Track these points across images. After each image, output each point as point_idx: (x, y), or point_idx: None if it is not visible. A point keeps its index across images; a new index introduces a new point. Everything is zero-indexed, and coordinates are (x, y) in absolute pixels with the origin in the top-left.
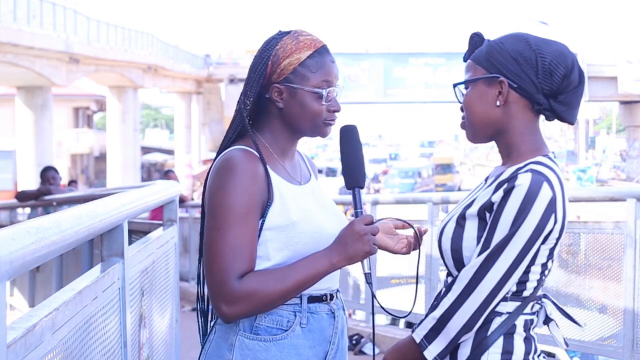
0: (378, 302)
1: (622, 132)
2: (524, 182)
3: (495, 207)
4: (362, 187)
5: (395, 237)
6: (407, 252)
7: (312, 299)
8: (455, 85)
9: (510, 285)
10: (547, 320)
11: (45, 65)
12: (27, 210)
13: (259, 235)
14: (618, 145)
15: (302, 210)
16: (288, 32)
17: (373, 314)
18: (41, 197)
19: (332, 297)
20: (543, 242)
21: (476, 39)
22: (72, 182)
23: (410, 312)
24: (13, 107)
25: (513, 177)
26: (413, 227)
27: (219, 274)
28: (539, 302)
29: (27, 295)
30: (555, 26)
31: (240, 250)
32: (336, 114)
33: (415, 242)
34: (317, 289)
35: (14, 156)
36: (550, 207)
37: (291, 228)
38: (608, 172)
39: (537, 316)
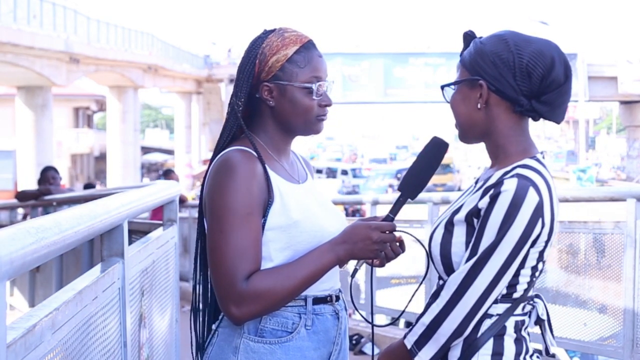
0: (353, 304)
1: (622, 132)
2: (509, 187)
3: (482, 213)
4: (411, 199)
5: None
6: (381, 265)
7: (317, 301)
8: (443, 87)
9: (500, 290)
10: (539, 321)
11: (45, 65)
12: (28, 210)
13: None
14: (618, 145)
15: (303, 209)
16: (273, 30)
17: (372, 312)
18: (41, 197)
19: (337, 298)
20: (532, 246)
21: (469, 38)
22: (89, 186)
23: (393, 322)
24: (13, 107)
25: (499, 183)
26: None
27: (226, 276)
28: (531, 302)
29: (27, 295)
30: (555, 26)
31: (245, 251)
32: (327, 108)
33: (390, 255)
34: (321, 289)
35: (14, 156)
36: (537, 212)
37: (293, 228)
38: (608, 172)
39: (529, 317)
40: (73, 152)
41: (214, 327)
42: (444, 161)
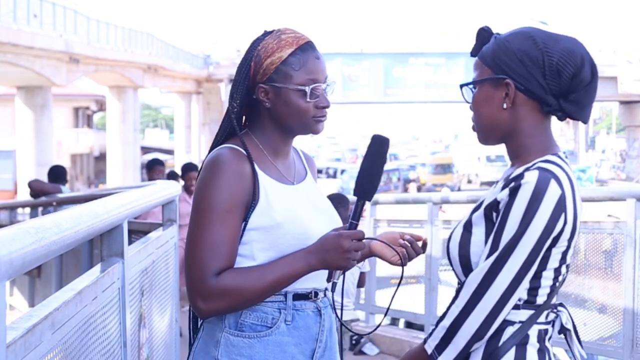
0: (339, 318)
1: (622, 132)
2: (530, 179)
3: (501, 206)
4: (368, 201)
5: (395, 249)
6: (403, 264)
7: (298, 297)
8: (462, 86)
9: (522, 290)
10: (563, 330)
11: (45, 65)
12: (27, 210)
13: (243, 235)
14: (618, 145)
15: (288, 211)
16: (272, 32)
17: (341, 325)
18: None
19: (316, 294)
20: (554, 245)
21: (485, 34)
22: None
23: (376, 328)
24: (13, 107)
25: (520, 176)
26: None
27: (197, 269)
28: (555, 310)
29: (27, 295)
30: (555, 26)
31: (219, 247)
32: (326, 110)
33: (412, 254)
34: (303, 287)
35: (14, 156)
36: (560, 206)
37: (276, 229)
38: (608, 172)
39: (553, 326)
40: (73, 152)
41: (200, 322)
42: (444, 161)
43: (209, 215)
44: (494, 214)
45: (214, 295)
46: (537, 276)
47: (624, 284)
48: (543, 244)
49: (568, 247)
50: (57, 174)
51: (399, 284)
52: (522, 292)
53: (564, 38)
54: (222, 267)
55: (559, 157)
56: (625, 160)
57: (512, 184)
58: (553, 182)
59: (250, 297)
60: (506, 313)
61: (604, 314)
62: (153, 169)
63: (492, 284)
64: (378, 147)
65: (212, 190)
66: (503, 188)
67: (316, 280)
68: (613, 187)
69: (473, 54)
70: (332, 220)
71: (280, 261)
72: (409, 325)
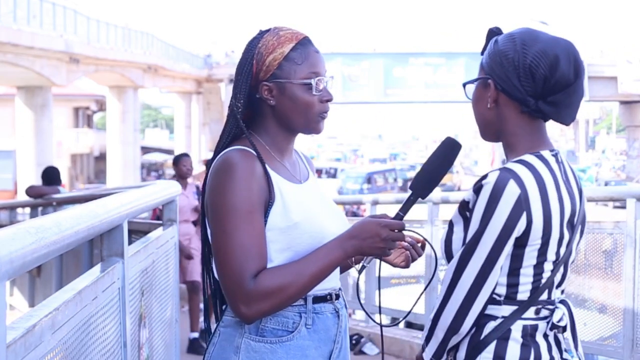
0: (361, 304)
1: (622, 132)
2: (490, 180)
3: (471, 205)
4: (422, 198)
5: (398, 251)
6: (407, 266)
7: (317, 299)
8: (464, 85)
9: (491, 285)
10: (554, 327)
11: (45, 65)
12: (27, 210)
13: None
14: (618, 145)
15: (304, 210)
16: (268, 30)
17: (380, 310)
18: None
19: (337, 296)
20: (526, 244)
21: (492, 35)
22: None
23: (397, 323)
24: (13, 107)
25: (484, 176)
26: (418, 247)
27: (233, 276)
28: (548, 307)
29: (27, 295)
30: (555, 26)
31: (250, 249)
32: (329, 104)
33: (415, 256)
34: (321, 288)
35: (14, 156)
36: (519, 205)
37: (293, 229)
38: (608, 172)
39: (547, 322)
40: (73, 152)
41: (214, 327)
42: None
43: (233, 219)
44: (467, 213)
45: (256, 298)
46: (515, 273)
47: (624, 284)
48: (504, 243)
49: (544, 244)
50: (52, 176)
51: (426, 286)
52: (495, 288)
53: (545, 39)
54: (257, 269)
55: (539, 156)
56: (621, 154)
57: (478, 184)
58: (512, 182)
59: (293, 294)
60: (479, 308)
61: (604, 314)
62: (180, 161)
63: (459, 280)
64: (448, 151)
65: (230, 193)
66: (473, 187)
67: (332, 281)
68: (613, 187)
69: (482, 53)
70: (341, 218)
71: (315, 254)
72: (409, 325)
